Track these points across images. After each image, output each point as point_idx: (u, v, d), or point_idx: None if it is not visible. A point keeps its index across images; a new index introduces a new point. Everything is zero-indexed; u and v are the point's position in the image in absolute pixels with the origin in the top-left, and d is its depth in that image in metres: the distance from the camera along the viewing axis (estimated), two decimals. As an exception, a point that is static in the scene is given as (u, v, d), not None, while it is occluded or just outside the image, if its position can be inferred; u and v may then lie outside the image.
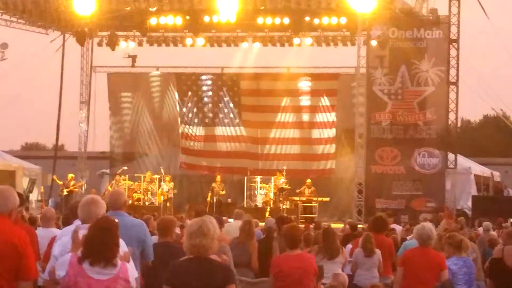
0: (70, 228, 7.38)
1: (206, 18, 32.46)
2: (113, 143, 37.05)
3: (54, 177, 33.59)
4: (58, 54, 35.05)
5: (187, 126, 36.03)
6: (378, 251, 12.26)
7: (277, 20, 32.45)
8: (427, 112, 30.27)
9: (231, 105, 35.52)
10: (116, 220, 6.48)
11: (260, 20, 32.60)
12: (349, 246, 13.47)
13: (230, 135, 35.54)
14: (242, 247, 12.28)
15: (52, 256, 7.07)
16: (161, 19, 32.93)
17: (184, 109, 36.05)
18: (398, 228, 19.79)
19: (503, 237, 12.17)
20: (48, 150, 60.65)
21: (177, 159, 36.14)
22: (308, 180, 31.75)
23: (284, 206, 31.03)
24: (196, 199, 33.49)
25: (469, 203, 31.68)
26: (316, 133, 34.63)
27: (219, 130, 35.69)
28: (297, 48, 34.75)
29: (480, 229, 19.30)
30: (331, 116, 34.35)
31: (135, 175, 33.60)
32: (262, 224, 17.76)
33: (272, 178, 32.46)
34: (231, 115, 35.53)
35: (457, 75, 30.32)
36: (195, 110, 35.99)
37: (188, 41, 34.96)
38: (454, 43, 30.38)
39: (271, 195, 32.13)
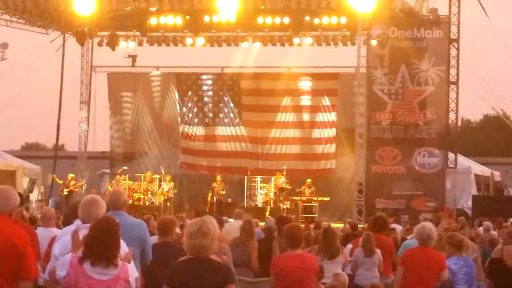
0: (70, 228, 7.37)
1: (206, 18, 32.47)
2: (113, 143, 37.05)
3: (54, 176, 33.60)
4: (58, 54, 35.10)
5: (187, 126, 36.03)
6: (378, 251, 12.25)
7: (277, 20, 32.46)
8: (427, 112, 30.26)
9: (231, 104, 35.52)
10: (117, 221, 6.48)
11: (260, 20, 32.61)
12: (349, 246, 13.47)
13: (230, 135, 35.53)
14: (243, 247, 12.29)
15: (52, 256, 7.07)
16: (161, 19, 32.94)
17: (184, 109, 36.05)
18: (399, 228, 19.78)
19: (503, 236, 12.16)
20: (48, 150, 60.69)
21: (177, 159, 36.14)
22: (308, 180, 31.74)
23: (284, 206, 31.03)
24: (196, 199, 33.50)
25: (469, 203, 31.69)
26: (316, 133, 34.62)
27: (219, 130, 35.68)
28: (297, 48, 34.76)
29: (480, 229, 19.29)
30: (331, 116, 34.34)
31: (135, 175, 33.61)
32: (262, 224, 17.77)
33: (272, 178, 32.47)
34: (231, 115, 35.53)
35: (457, 74, 30.32)
36: (195, 110, 35.98)
37: (188, 41, 34.96)
38: (454, 43, 30.37)
39: (271, 195, 32.14)
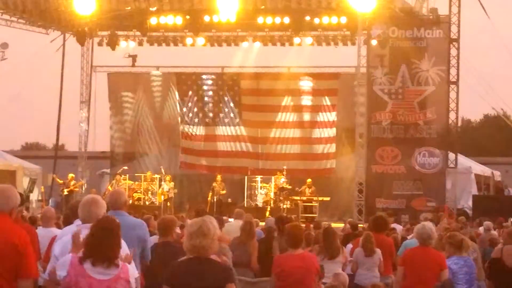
0: (70, 228, 7.38)
1: (206, 18, 32.48)
2: (113, 143, 37.04)
3: (54, 176, 33.60)
4: (58, 54, 35.11)
5: (187, 126, 36.03)
6: (378, 251, 12.25)
7: (278, 20, 32.47)
8: (428, 112, 30.25)
9: (232, 104, 35.52)
10: (118, 221, 6.48)
11: (260, 20, 32.61)
12: (350, 245, 13.46)
13: (231, 135, 35.52)
14: (243, 247, 12.29)
15: (52, 255, 7.06)
16: (161, 19, 32.94)
17: (185, 109, 36.04)
18: (399, 227, 19.78)
19: (504, 236, 12.15)
20: (49, 150, 60.69)
21: (178, 159, 36.15)
22: (309, 180, 31.74)
23: (285, 206, 31.02)
24: (197, 198, 33.48)
25: (470, 203, 31.71)
26: (316, 133, 34.61)
27: (220, 130, 35.68)
28: (297, 48, 34.76)
29: (481, 229, 19.28)
30: (332, 116, 34.34)
31: (136, 174, 33.62)
32: (262, 224, 17.77)
33: (273, 177, 32.47)
34: (232, 115, 35.52)
35: (458, 74, 30.32)
36: (195, 109, 35.98)
37: (189, 40, 34.97)
38: (454, 43, 30.36)
39: (272, 194, 32.15)
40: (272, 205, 31.50)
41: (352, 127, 31.75)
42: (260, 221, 18.96)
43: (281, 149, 34.87)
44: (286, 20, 32.49)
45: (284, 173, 31.81)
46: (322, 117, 34.44)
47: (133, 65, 35.59)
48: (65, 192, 31.46)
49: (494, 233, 17.47)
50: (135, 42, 35.22)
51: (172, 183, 32.32)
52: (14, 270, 6.26)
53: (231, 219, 16.88)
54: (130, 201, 29.80)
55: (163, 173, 32.84)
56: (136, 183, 32.98)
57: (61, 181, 32.12)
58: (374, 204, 29.68)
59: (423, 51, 30.27)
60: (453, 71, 30.28)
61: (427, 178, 30.03)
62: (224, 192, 31.99)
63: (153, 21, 33.16)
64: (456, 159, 30.51)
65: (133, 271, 6.47)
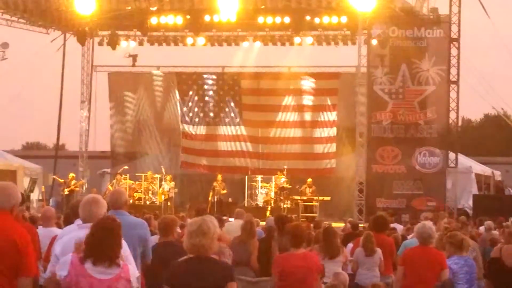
0: (71, 228, 7.39)
1: (207, 18, 32.48)
2: (114, 143, 37.06)
3: (55, 176, 33.61)
4: (58, 53, 35.13)
5: (188, 126, 36.04)
6: (379, 250, 12.26)
7: (278, 19, 32.47)
8: (428, 111, 30.25)
9: (232, 104, 35.53)
10: (118, 220, 6.48)
11: (260, 19, 32.62)
12: (350, 245, 13.46)
13: (231, 135, 35.53)
14: (243, 246, 12.30)
15: (53, 255, 7.06)
16: (161, 19, 32.94)
17: (185, 109, 36.05)
18: (399, 227, 19.76)
19: (505, 237, 12.13)
20: (49, 150, 60.72)
21: (178, 159, 36.16)
22: (309, 179, 31.75)
23: (285, 205, 31.04)
24: (197, 198, 33.47)
25: (470, 202, 31.71)
26: (317, 132, 34.61)
27: (220, 130, 35.69)
28: (297, 47, 34.77)
29: (481, 228, 19.28)
30: (332, 115, 34.35)
31: (136, 174, 33.63)
32: (263, 223, 17.77)
33: (273, 177, 32.49)
34: (232, 114, 35.53)
35: (458, 74, 30.31)
36: (196, 109, 35.99)
37: (189, 40, 34.98)
38: (454, 42, 30.36)
39: (272, 194, 32.17)
40: (272, 204, 31.51)
41: (352, 127, 31.75)
42: (261, 221, 18.96)
43: (282, 148, 34.88)
44: (287, 19, 32.50)
45: (285, 172, 31.83)
46: (323, 116, 34.45)
47: (133, 65, 35.58)
48: (66, 192, 31.46)
49: (495, 232, 17.46)
50: (136, 41, 35.23)
51: (172, 183, 32.33)
52: (14, 268, 6.26)
53: (231, 219, 16.89)
54: (131, 201, 29.80)
55: (164, 173, 32.85)
56: (137, 182, 32.99)
57: (61, 181, 32.13)
58: (375, 204, 29.69)
59: (424, 50, 30.27)
60: (453, 70, 30.28)
61: (428, 178, 30.03)
62: (224, 191, 32.00)
63: (153, 20, 33.17)
64: (456, 158, 30.51)
65: (133, 271, 6.48)
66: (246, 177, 33.56)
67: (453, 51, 30.34)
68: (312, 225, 18.37)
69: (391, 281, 11.92)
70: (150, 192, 32.81)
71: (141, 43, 35.19)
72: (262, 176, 33.25)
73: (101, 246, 6.22)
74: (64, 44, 35.01)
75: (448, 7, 30.38)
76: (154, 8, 31.76)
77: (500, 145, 60.13)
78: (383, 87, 30.58)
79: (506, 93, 38.24)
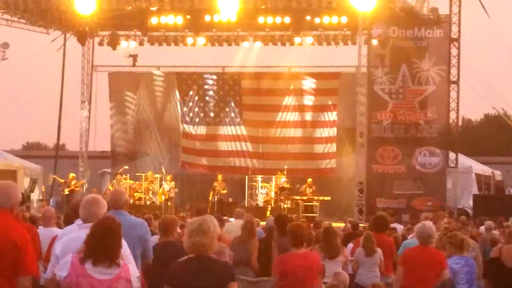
0: (71, 228, 7.39)
1: (207, 18, 32.48)
2: (114, 143, 37.06)
3: (55, 176, 33.61)
4: (59, 53, 35.13)
5: (188, 126, 36.04)
6: (379, 250, 12.26)
7: (278, 19, 32.47)
8: (428, 111, 30.25)
9: (232, 104, 35.53)
10: (119, 220, 6.48)
11: (261, 19, 32.62)
12: (350, 245, 13.47)
13: (231, 134, 35.53)
14: (244, 246, 12.31)
15: (53, 255, 7.06)
16: (162, 19, 32.94)
17: (185, 109, 36.06)
18: (399, 227, 19.77)
19: (505, 236, 12.12)
20: (49, 150, 60.71)
21: (179, 159, 36.16)
22: (309, 179, 31.76)
23: (285, 205, 31.04)
24: (197, 198, 33.47)
25: (470, 202, 31.72)
26: (317, 132, 34.62)
27: (220, 130, 35.70)
28: (298, 47, 34.76)
29: (482, 228, 19.28)
30: (332, 115, 34.35)
31: (136, 174, 33.63)
32: (263, 223, 17.78)
33: (273, 177, 32.49)
34: (232, 114, 35.53)
35: (458, 74, 30.31)
36: (196, 109, 36.00)
37: (189, 40, 34.98)
38: (455, 42, 30.37)
39: (272, 194, 32.17)
40: (272, 204, 31.51)
41: (352, 127, 31.75)
42: (261, 221, 18.97)
43: (282, 148, 34.88)
44: (287, 19, 32.50)
45: (285, 172, 31.84)
46: (323, 116, 34.45)
47: (133, 65, 35.58)
48: (66, 192, 31.47)
49: (496, 232, 17.45)
50: (136, 41, 35.23)
51: (173, 183, 32.33)
52: (14, 267, 6.25)
53: (232, 219, 16.89)
54: (131, 201, 29.83)
55: (164, 173, 32.86)
56: (137, 182, 32.99)
57: (62, 181, 32.14)
58: (375, 204, 29.70)
59: (424, 50, 30.27)
60: (453, 70, 30.29)
61: (428, 178, 30.03)
62: (225, 191, 32.01)
63: (153, 20, 33.17)
64: (456, 158, 30.51)
65: (134, 270, 6.48)
66: (247, 177, 33.55)
67: (453, 51, 30.34)
68: (312, 225, 18.37)
69: (391, 281, 11.92)
70: (150, 192, 32.81)
71: (141, 43, 35.20)
72: (262, 176, 33.24)
73: (101, 246, 6.22)
74: (64, 44, 35.02)
75: (448, 7, 30.39)
76: (155, 8, 31.76)
77: (500, 145, 60.11)
78: (383, 87, 30.58)
79: (506, 93, 38.14)
